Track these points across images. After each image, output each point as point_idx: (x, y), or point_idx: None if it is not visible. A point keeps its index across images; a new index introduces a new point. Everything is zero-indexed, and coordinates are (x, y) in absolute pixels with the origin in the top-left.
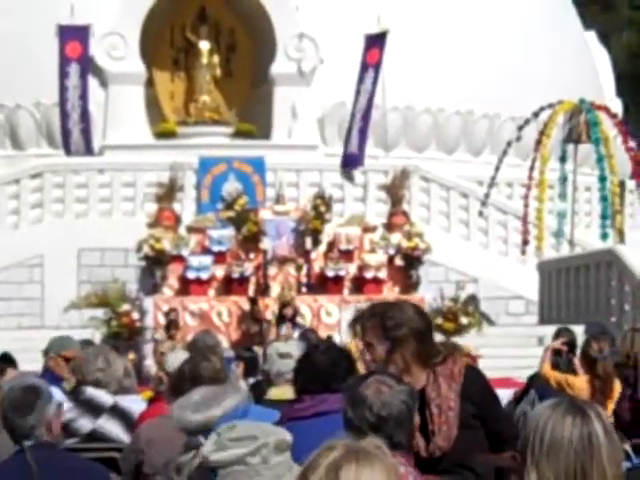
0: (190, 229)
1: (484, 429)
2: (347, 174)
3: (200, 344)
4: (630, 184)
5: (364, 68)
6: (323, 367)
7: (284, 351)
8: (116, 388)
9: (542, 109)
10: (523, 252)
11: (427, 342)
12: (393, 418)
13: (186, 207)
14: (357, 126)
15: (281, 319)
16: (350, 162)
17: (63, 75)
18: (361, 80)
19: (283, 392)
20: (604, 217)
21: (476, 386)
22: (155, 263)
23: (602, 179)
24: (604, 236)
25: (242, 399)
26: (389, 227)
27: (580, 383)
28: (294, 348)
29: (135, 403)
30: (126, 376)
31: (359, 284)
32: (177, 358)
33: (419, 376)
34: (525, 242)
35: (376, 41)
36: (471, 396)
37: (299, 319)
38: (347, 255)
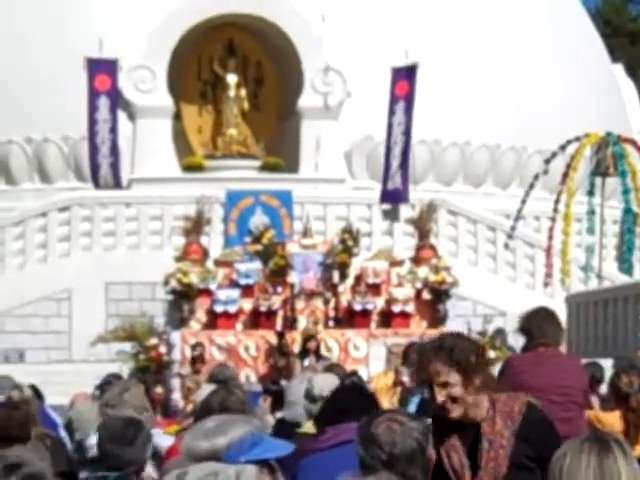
0: (217, 263)
1: (540, 472)
2: (389, 210)
3: (220, 377)
4: None
5: (394, 100)
6: (347, 400)
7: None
8: None
9: (569, 142)
10: (546, 285)
11: (484, 365)
12: (405, 455)
13: (213, 241)
14: (397, 161)
15: (305, 352)
16: (393, 198)
17: (92, 108)
18: (392, 113)
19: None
20: (629, 250)
21: (535, 426)
22: (183, 297)
23: (627, 212)
24: (629, 269)
25: (251, 429)
26: (416, 261)
27: (609, 419)
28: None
29: (156, 437)
30: (144, 410)
31: (386, 318)
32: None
33: (483, 404)
34: (549, 275)
35: (405, 74)
36: (529, 436)
37: (324, 352)
38: (374, 289)
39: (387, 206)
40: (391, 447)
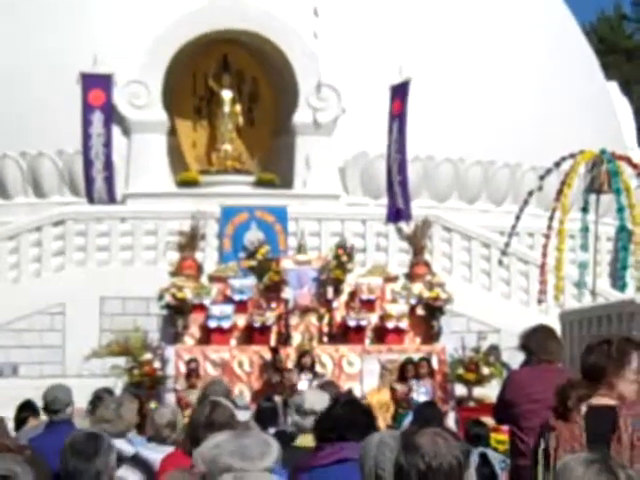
0: (212, 278)
1: None
2: (396, 227)
3: (219, 391)
4: None
5: (392, 119)
6: (342, 419)
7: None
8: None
9: (563, 159)
10: (539, 302)
11: None
12: (443, 471)
13: (208, 256)
14: (397, 179)
15: (300, 368)
16: (396, 217)
17: (86, 123)
18: (390, 131)
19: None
20: (623, 267)
21: None
22: (177, 312)
23: (622, 229)
24: (623, 286)
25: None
26: (411, 277)
27: None
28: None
29: (149, 451)
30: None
31: (380, 334)
32: None
33: None
34: (542, 292)
35: (399, 91)
36: None
37: (318, 368)
38: (369, 305)
39: (394, 224)
40: (431, 458)
